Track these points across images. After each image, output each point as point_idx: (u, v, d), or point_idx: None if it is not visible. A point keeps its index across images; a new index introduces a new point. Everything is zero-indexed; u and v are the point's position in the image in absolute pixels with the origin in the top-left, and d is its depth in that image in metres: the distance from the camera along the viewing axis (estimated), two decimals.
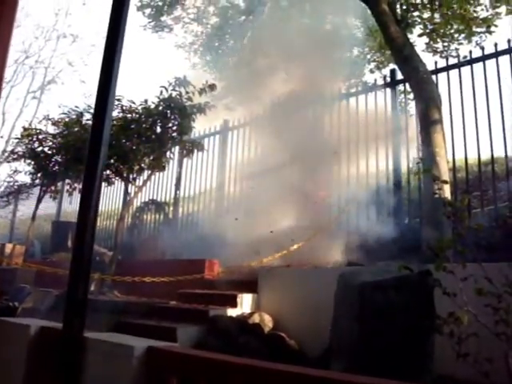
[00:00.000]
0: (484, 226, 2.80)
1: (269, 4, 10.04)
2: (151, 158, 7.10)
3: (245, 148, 8.75)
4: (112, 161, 7.02)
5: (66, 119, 8.09)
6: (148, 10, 10.57)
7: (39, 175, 9.11)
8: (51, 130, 8.65)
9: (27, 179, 9.81)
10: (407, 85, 6.43)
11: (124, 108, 7.08)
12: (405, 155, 6.63)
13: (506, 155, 5.65)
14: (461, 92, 6.16)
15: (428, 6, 6.60)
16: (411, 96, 6.64)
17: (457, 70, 6.25)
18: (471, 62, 6.15)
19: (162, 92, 6.96)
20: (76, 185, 8.50)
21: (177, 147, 7.93)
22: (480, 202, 5.80)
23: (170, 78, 6.98)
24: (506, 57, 5.84)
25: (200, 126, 8.55)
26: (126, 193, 8.32)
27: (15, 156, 9.05)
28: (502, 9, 7.02)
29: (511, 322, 2.29)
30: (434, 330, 2.48)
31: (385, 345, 2.79)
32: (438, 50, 7.54)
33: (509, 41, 5.85)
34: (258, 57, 11.03)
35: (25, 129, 8.97)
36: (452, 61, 6.48)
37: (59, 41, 23.67)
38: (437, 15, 6.79)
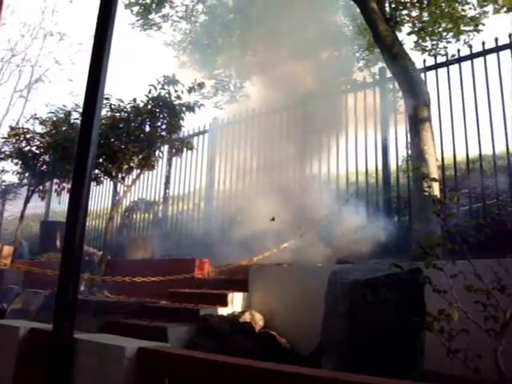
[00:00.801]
0: (473, 223, 2.82)
1: (257, 2, 10.02)
2: (140, 157, 7.07)
3: (234, 146, 8.74)
4: (101, 160, 6.99)
5: (54, 118, 8.03)
6: (136, 8, 10.49)
7: (27, 175, 9.05)
8: (39, 129, 8.60)
9: (15, 179, 9.74)
10: (396, 83, 6.45)
11: (113, 107, 7.04)
12: (394, 153, 6.67)
13: (494, 153, 5.70)
14: (449, 90, 6.21)
15: (416, 4, 6.63)
16: (400, 94, 6.67)
17: (445, 69, 6.30)
18: (459, 60, 6.19)
19: (150, 91, 6.93)
20: (64, 184, 8.45)
21: (166, 146, 7.90)
22: (469, 200, 5.84)
23: (159, 76, 6.96)
24: (494, 55, 5.88)
25: (189, 124, 8.54)
26: (115, 192, 8.29)
27: (2, 156, 8.96)
28: (490, 8, 7.08)
29: (500, 318, 2.31)
30: (425, 326, 2.49)
31: (375, 342, 2.80)
32: (427, 48, 7.57)
33: (496, 39, 5.90)
34: (247, 54, 11.03)
35: (12, 128, 8.90)
36: (440, 59, 6.52)
37: (46, 39, 23.49)
38: (425, 14, 6.83)
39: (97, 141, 2.48)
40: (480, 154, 5.80)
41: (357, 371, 1.73)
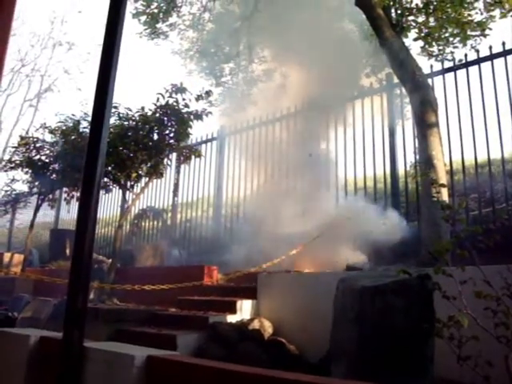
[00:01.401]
0: (482, 228, 2.81)
1: (263, 10, 10.07)
2: (149, 165, 7.10)
3: (242, 153, 8.77)
4: (109, 168, 7.03)
5: (63, 127, 8.09)
6: (143, 18, 10.59)
7: (37, 184, 9.11)
8: (48, 138, 8.67)
9: (25, 188, 9.80)
10: (403, 88, 6.45)
11: (121, 115, 7.08)
12: (402, 159, 6.66)
13: (503, 157, 5.67)
14: (457, 95, 6.20)
15: (423, 10, 6.63)
16: (407, 100, 6.66)
17: (452, 74, 6.29)
18: (466, 65, 6.18)
19: (158, 99, 6.97)
20: (74, 193, 8.49)
21: (174, 154, 7.94)
22: (478, 205, 5.81)
23: (167, 84, 7.00)
24: (501, 59, 5.87)
25: (197, 132, 8.59)
26: (124, 200, 8.32)
27: (12, 165, 9.03)
28: (496, 12, 7.07)
29: (511, 325, 2.29)
30: (434, 333, 2.48)
31: (385, 349, 2.79)
32: (434, 53, 7.56)
33: (503, 43, 5.89)
34: (254, 62, 11.07)
35: (22, 137, 8.97)
36: (447, 64, 6.52)
37: (55, 49, 23.75)
38: (431, 19, 6.83)
39: (105, 150, 2.50)
40: (488, 159, 5.77)
41: (366, 379, 1.72)
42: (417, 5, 6.66)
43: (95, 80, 2.62)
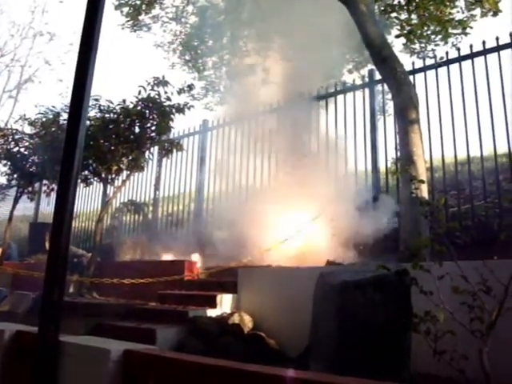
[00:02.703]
0: (460, 224, 2.84)
1: (247, 4, 10.04)
2: (130, 158, 7.04)
3: (224, 148, 8.74)
4: (90, 161, 6.95)
5: (43, 119, 7.98)
6: (126, 9, 10.46)
7: (15, 176, 8.96)
8: (28, 130, 8.53)
9: (3, 180, 9.64)
10: (385, 85, 6.48)
11: (102, 108, 7.00)
12: (383, 155, 6.70)
13: (482, 154, 5.74)
14: (437, 92, 6.26)
15: (405, 7, 6.67)
16: (389, 96, 6.70)
17: (434, 71, 6.35)
18: (448, 62, 6.24)
19: (140, 92, 6.90)
20: (53, 186, 8.38)
21: (156, 147, 7.88)
22: (457, 201, 5.88)
23: (149, 77, 6.93)
24: (481, 58, 5.94)
25: (179, 125, 8.53)
26: (105, 194, 8.24)
27: None
28: (477, 11, 7.15)
29: (485, 320, 2.33)
30: (411, 328, 2.51)
31: (363, 343, 2.81)
32: (416, 50, 7.64)
33: (483, 42, 5.96)
34: (237, 56, 11.04)
35: (0, 129, 8.82)
36: (429, 61, 6.57)
37: (36, 39, 23.37)
38: (414, 16, 6.87)
39: (83, 142, 2.47)
40: (468, 156, 5.85)
41: (345, 373, 1.73)
42: (399, 2, 6.69)
43: (74, 71, 2.58)
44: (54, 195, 8.58)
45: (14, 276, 7.45)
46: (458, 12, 7.17)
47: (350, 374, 1.70)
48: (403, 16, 6.88)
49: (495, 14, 6.64)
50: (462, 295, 2.42)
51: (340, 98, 7.34)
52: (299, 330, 3.56)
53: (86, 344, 2.08)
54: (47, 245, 9.63)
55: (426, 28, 6.95)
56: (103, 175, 7.16)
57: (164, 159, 9.00)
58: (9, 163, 8.77)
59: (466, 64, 6.06)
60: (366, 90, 7.15)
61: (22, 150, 8.53)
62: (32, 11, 23.72)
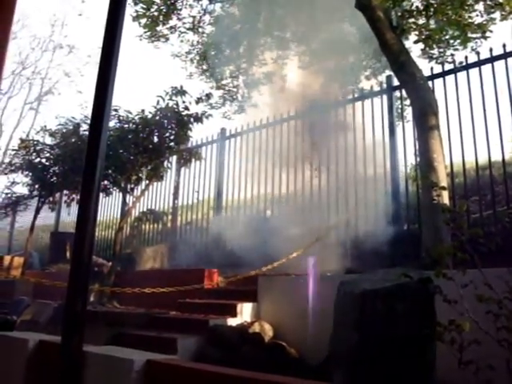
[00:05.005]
0: (483, 231, 2.79)
1: (264, 13, 10.07)
2: (149, 167, 7.10)
3: (243, 156, 8.75)
4: (110, 171, 7.03)
5: (63, 130, 8.10)
6: (143, 20, 10.58)
7: (37, 186, 9.10)
8: (48, 140, 8.67)
9: (25, 190, 9.79)
10: (403, 91, 6.43)
11: (121, 118, 7.09)
12: (402, 162, 6.63)
13: (504, 159, 5.66)
14: (457, 97, 6.18)
15: (423, 12, 6.63)
16: (408, 102, 6.64)
17: (453, 76, 6.28)
18: (467, 67, 6.17)
19: (158, 101, 6.97)
20: (74, 195, 8.49)
21: (174, 156, 7.93)
22: (479, 207, 5.79)
23: (167, 87, 7.00)
24: (502, 62, 5.86)
25: (197, 134, 8.57)
26: (124, 203, 8.31)
27: (13, 167, 9.05)
28: (497, 14, 7.06)
29: None
30: (435, 337, 2.46)
31: (385, 353, 2.77)
32: (434, 56, 7.56)
33: (504, 45, 5.88)
34: (254, 65, 11.08)
35: (22, 140, 8.98)
36: (448, 66, 6.51)
37: (56, 52, 23.80)
38: (432, 21, 6.82)
39: (105, 152, 2.49)
40: (489, 161, 5.76)
41: (367, 382, 1.71)
42: (417, 7, 6.65)
43: (95, 83, 2.61)
44: (74, 205, 8.69)
45: (36, 285, 7.53)
46: (477, 16, 7.10)
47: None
48: (421, 21, 6.83)
49: None
50: (487, 304, 2.37)
51: (358, 104, 7.31)
52: (320, 339, 3.53)
53: (110, 354, 2.09)
54: (68, 254, 9.76)
55: (444, 33, 6.90)
56: (123, 185, 7.22)
57: (182, 168, 9.05)
58: (30, 174, 8.92)
59: (486, 68, 5.99)
60: (384, 97, 7.10)
61: (43, 160, 8.67)
62: (52, 24, 24.18)
